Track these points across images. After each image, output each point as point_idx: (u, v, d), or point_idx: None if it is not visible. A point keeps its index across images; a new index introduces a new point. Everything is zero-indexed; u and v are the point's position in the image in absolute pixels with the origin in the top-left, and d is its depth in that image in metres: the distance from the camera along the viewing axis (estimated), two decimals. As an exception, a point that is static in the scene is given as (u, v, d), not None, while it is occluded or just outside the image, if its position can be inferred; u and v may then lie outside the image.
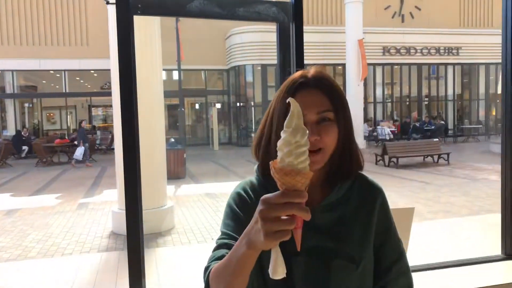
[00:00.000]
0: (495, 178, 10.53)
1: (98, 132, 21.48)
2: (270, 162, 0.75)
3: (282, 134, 0.75)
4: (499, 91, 24.18)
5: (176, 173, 11.13)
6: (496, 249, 2.93)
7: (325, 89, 1.02)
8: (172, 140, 12.16)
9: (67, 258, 5.25)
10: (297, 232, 0.75)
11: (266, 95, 20.66)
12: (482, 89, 23.86)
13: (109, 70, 6.28)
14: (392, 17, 22.74)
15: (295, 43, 2.40)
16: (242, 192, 1.13)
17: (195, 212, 7.51)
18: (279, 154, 0.74)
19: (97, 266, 4.76)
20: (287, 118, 0.75)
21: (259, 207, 0.74)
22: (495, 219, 6.65)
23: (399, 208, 2.28)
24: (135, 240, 2.10)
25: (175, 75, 18.12)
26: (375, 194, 1.13)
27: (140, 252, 2.13)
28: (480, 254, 2.98)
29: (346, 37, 18.73)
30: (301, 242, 0.77)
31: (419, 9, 22.98)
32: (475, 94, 24.09)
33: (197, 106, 24.15)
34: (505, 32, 2.91)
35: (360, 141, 15.84)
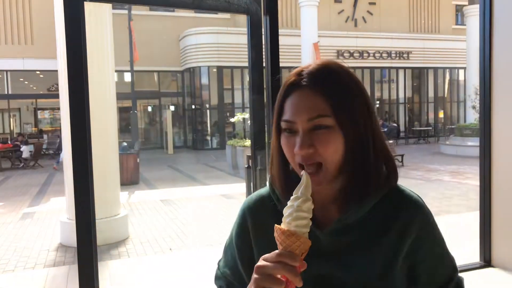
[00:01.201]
0: (448, 179, 10.80)
1: (45, 136, 20.43)
2: (276, 225, 0.76)
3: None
4: (446, 94, 25.18)
5: (129, 179, 10.65)
6: (461, 250, 2.84)
7: (322, 89, 0.81)
8: (125, 144, 11.65)
9: (8, 276, 4.76)
10: None
11: (222, 97, 20.40)
12: (431, 93, 24.71)
13: (57, 71, 5.85)
14: (346, 21, 23.13)
15: (269, 38, 2.17)
16: (241, 218, 1.00)
17: (150, 221, 7.13)
18: (283, 217, 0.77)
19: (43, 284, 4.34)
20: (298, 186, 0.77)
21: (257, 263, 0.76)
22: (456, 219, 6.76)
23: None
24: (87, 252, 1.90)
25: (127, 76, 17.52)
26: (411, 212, 0.89)
27: (93, 266, 1.88)
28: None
29: (302, 40, 18.81)
30: (306, 269, 0.77)
31: (371, 14, 23.52)
32: (424, 97, 24.91)
33: (150, 108, 23.51)
34: (483, 40, 2.84)
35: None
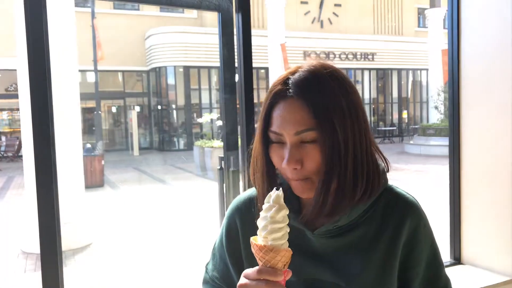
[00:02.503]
0: (413, 177, 11.03)
1: (3, 138, 19.62)
2: (251, 238, 0.74)
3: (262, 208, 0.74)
4: (410, 95, 25.79)
5: (93, 182, 10.34)
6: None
7: (307, 101, 0.76)
8: (88, 145, 11.33)
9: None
10: None
11: (189, 98, 20.15)
12: (395, 93, 25.26)
13: (15, 70, 5.61)
14: (312, 22, 23.33)
15: (242, 37, 2.10)
16: (230, 219, 0.97)
17: (115, 225, 6.92)
18: (258, 230, 0.73)
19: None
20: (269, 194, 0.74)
21: (239, 282, 0.74)
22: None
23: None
24: (51, 259, 1.78)
25: (90, 76, 17.06)
26: (405, 213, 0.85)
27: (58, 274, 1.80)
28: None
29: (269, 41, 18.83)
30: (297, 271, 0.77)
31: (337, 16, 23.82)
32: (388, 97, 25.44)
33: (114, 109, 22.98)
34: (451, 39, 2.86)
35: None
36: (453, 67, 2.81)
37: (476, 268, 2.69)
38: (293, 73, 0.81)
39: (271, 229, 0.71)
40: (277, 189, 0.73)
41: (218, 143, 12.01)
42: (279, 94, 0.79)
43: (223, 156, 2.56)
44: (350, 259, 0.83)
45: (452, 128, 2.80)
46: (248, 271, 0.73)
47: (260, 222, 0.72)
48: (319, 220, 0.83)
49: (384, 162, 0.88)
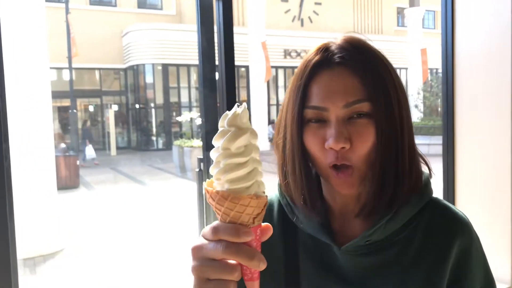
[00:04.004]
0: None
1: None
2: (204, 183, 0.53)
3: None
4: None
5: (68, 183, 9.98)
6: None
7: (360, 65, 0.66)
8: (63, 145, 10.95)
9: None
10: (251, 286, 0.51)
11: (167, 96, 19.80)
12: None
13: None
14: (292, 20, 23.23)
15: (223, 26, 1.89)
16: None
17: (90, 229, 6.63)
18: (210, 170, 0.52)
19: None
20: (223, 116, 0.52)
21: (194, 243, 0.53)
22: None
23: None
24: (4, 268, 1.61)
25: (65, 74, 16.57)
26: (454, 231, 0.70)
27: (12, 283, 1.61)
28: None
29: (249, 39, 18.63)
30: None
31: (317, 14, 23.78)
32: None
33: (92, 108, 22.47)
34: (445, 41, 2.76)
35: (265, 143, 15.76)
36: (447, 65, 2.68)
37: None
38: (331, 43, 0.71)
39: (226, 166, 0.49)
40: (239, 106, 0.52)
41: (198, 143, 11.76)
42: (321, 63, 0.68)
43: (202, 157, 2.36)
44: (384, 282, 0.68)
45: (446, 128, 2.65)
46: (206, 228, 0.52)
47: (212, 157, 0.51)
48: (351, 232, 0.71)
49: (427, 165, 0.74)
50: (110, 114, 19.61)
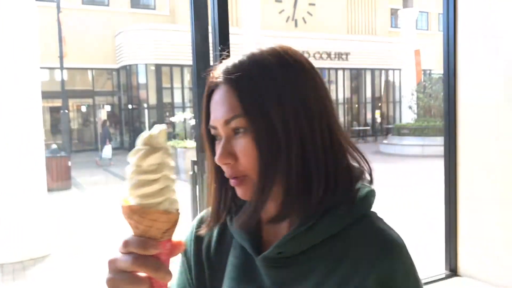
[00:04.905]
0: (393, 180, 10.95)
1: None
2: (121, 198, 0.56)
3: None
4: (382, 95, 26.01)
5: (59, 184, 9.84)
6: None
7: (235, 82, 0.67)
8: (54, 146, 10.80)
9: None
10: None
11: (161, 96, 19.66)
12: (368, 93, 25.39)
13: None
14: (286, 21, 23.19)
15: (217, 19, 1.80)
16: (190, 229, 0.84)
17: (81, 231, 6.51)
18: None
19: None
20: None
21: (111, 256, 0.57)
22: (418, 225, 6.72)
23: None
24: None
25: (57, 73, 16.40)
26: (378, 256, 0.63)
27: None
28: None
29: (244, 39, 18.56)
30: None
31: (311, 15, 23.76)
32: (362, 97, 25.56)
33: (84, 108, 22.27)
34: (447, 42, 2.70)
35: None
36: (449, 65, 2.62)
37: (474, 280, 2.53)
38: (224, 62, 0.72)
39: (137, 182, 0.53)
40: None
41: (192, 144, 11.65)
42: (212, 82, 0.71)
43: (196, 159, 2.27)
44: None
45: (448, 129, 2.58)
46: (120, 241, 0.56)
47: (126, 173, 0.55)
48: (273, 242, 0.69)
49: (366, 167, 0.71)
50: (103, 114, 19.46)
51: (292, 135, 0.65)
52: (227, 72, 0.68)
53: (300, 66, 0.70)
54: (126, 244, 0.54)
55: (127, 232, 0.57)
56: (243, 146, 0.67)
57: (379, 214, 0.70)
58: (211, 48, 1.97)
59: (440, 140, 15.07)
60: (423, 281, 0.71)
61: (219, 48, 1.81)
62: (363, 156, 0.72)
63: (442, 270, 2.78)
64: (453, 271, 2.65)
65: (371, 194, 0.70)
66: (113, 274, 0.54)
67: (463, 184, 2.68)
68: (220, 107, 0.68)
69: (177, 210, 0.55)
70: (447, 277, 2.67)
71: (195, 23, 1.83)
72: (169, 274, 0.53)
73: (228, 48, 2.02)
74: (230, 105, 0.66)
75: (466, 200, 2.67)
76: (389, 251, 0.63)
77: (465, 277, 2.67)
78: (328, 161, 0.67)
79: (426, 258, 3.92)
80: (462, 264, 2.65)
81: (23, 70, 5.22)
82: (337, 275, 0.64)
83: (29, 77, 5.29)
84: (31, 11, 5.32)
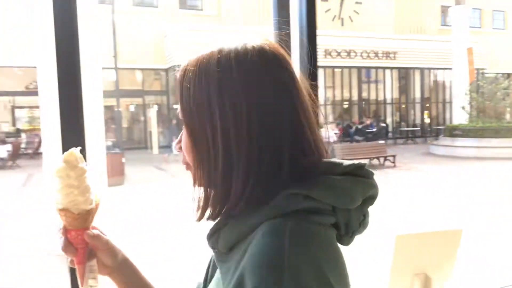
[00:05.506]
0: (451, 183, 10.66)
1: (24, 135, 19.71)
2: None
3: None
4: (432, 95, 25.21)
5: (113, 180, 10.17)
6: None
7: (180, 77, 0.71)
8: (109, 143, 11.21)
9: None
10: (77, 269, 0.79)
11: (208, 96, 19.94)
12: (417, 93, 24.72)
13: (35, 67, 5.51)
14: (332, 20, 22.95)
15: (306, 16, 1.81)
16: None
17: (134, 228, 6.72)
18: None
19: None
20: None
21: None
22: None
23: (444, 231, 1.84)
24: None
25: (109, 73, 16.98)
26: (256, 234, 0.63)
27: None
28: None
29: (292, 38, 18.53)
30: None
31: (358, 13, 23.40)
32: (411, 97, 24.91)
33: (133, 107, 22.93)
34: None
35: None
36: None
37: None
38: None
39: (57, 189, 0.75)
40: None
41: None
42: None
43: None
44: None
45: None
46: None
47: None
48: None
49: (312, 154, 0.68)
50: (152, 113, 19.98)
51: (218, 130, 0.65)
52: (187, 64, 0.71)
53: (251, 66, 0.67)
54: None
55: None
56: (183, 136, 0.72)
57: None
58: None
59: (497, 141, 14.47)
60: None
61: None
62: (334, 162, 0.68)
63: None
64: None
65: (294, 197, 0.63)
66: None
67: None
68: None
69: (79, 209, 0.76)
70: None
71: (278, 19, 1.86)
72: (72, 253, 0.78)
73: (316, 54, 1.98)
74: (177, 97, 0.71)
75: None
76: (265, 227, 0.61)
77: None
78: (252, 159, 0.64)
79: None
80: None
81: (87, 70, 5.46)
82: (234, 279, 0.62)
83: (93, 76, 5.54)
84: (92, 12, 5.55)
